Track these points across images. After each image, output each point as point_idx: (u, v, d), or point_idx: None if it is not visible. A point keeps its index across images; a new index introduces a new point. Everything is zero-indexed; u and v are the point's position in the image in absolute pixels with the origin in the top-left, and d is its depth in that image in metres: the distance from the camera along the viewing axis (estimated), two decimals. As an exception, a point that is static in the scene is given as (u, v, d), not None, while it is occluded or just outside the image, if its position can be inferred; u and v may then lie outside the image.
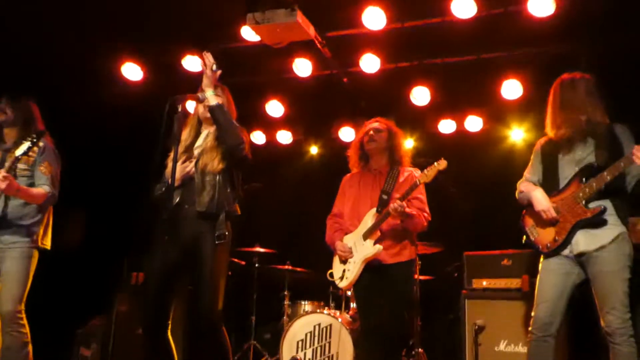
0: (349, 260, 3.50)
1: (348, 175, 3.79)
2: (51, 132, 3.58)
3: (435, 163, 3.26)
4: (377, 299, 3.41)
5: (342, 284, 3.55)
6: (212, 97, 2.98)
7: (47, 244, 3.49)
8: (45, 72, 5.01)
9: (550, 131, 3.10)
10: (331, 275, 3.67)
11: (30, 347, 3.28)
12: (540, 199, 3.00)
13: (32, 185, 3.37)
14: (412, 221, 3.40)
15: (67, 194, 3.56)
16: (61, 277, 5.00)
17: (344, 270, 3.53)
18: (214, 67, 2.99)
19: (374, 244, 3.41)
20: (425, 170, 3.28)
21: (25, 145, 3.19)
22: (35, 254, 3.38)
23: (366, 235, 3.44)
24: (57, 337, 5.10)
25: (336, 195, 3.79)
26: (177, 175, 2.97)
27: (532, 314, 2.99)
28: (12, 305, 3.21)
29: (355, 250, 3.49)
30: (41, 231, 3.41)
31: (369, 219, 3.47)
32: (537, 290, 3.00)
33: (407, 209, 3.32)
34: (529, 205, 3.09)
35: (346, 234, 3.61)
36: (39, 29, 4.57)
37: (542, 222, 3.00)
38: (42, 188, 3.35)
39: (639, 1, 3.92)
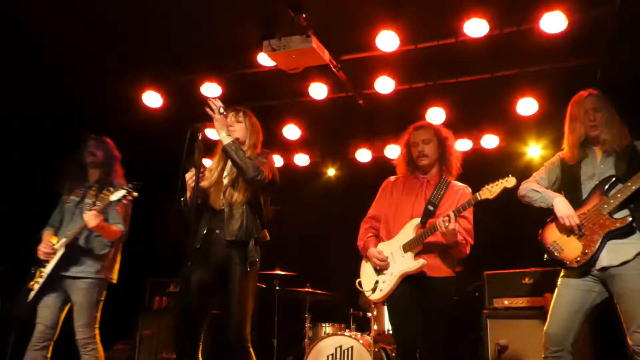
0: (385, 271, 3.21)
1: (391, 178, 3.51)
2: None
3: (503, 180, 2.96)
4: (415, 313, 3.13)
5: (374, 296, 3.23)
6: (224, 138, 3.08)
7: (114, 277, 3.72)
8: (70, 99, 5.17)
9: (567, 149, 3.08)
10: (360, 284, 3.36)
11: None
12: (563, 205, 2.92)
13: (105, 221, 3.54)
14: (457, 248, 3.14)
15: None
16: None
17: (376, 282, 3.22)
18: (221, 109, 3.08)
19: (415, 257, 3.13)
20: (488, 186, 2.98)
21: (121, 192, 3.40)
22: (103, 284, 3.60)
23: (407, 248, 3.14)
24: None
25: (374, 199, 3.52)
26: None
27: (544, 328, 2.91)
28: (84, 334, 3.50)
29: (393, 261, 3.19)
30: (108, 264, 3.63)
31: (410, 230, 3.17)
32: (553, 304, 2.93)
33: (458, 236, 3.06)
34: (540, 208, 3.03)
35: (380, 241, 3.32)
36: (62, 57, 4.72)
37: (565, 236, 2.93)
38: (117, 227, 3.59)
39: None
